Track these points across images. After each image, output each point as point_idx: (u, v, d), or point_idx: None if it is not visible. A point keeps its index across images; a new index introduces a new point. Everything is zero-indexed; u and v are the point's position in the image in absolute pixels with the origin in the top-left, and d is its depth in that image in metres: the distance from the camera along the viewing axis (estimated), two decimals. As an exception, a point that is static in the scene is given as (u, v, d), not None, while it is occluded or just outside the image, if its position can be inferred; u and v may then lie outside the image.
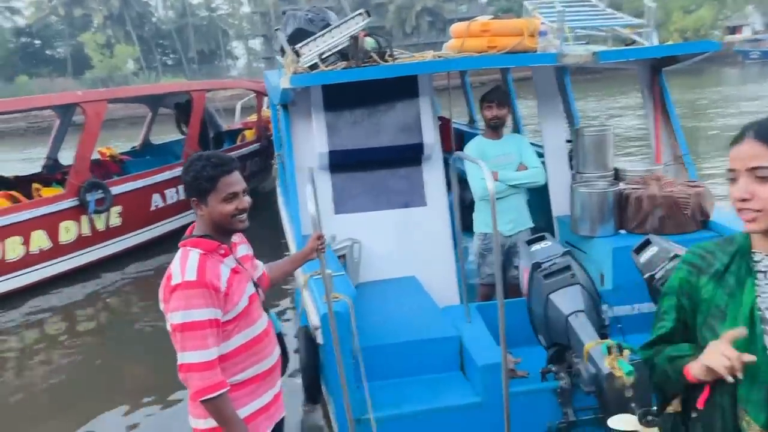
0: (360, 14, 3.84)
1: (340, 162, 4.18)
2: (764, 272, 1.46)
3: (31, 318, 6.71)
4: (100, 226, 7.92)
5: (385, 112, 4.18)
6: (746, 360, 1.34)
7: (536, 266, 2.83)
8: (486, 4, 50.83)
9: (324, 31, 3.85)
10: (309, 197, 2.56)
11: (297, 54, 3.74)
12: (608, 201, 3.88)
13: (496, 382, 2.65)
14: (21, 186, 8.04)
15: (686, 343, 1.57)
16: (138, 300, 7.17)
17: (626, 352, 2.10)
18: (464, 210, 3.84)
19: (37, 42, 57.79)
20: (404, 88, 4.15)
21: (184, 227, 2.26)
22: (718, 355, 1.36)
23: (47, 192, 7.77)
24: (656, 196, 3.75)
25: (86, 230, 7.76)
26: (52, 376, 5.35)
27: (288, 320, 5.59)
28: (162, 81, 43.42)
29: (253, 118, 11.72)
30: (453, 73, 6.74)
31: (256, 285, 2.28)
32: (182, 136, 10.15)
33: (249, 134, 11.08)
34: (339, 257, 3.76)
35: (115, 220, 8.12)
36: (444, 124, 6.00)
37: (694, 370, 1.45)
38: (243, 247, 2.34)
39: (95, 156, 8.63)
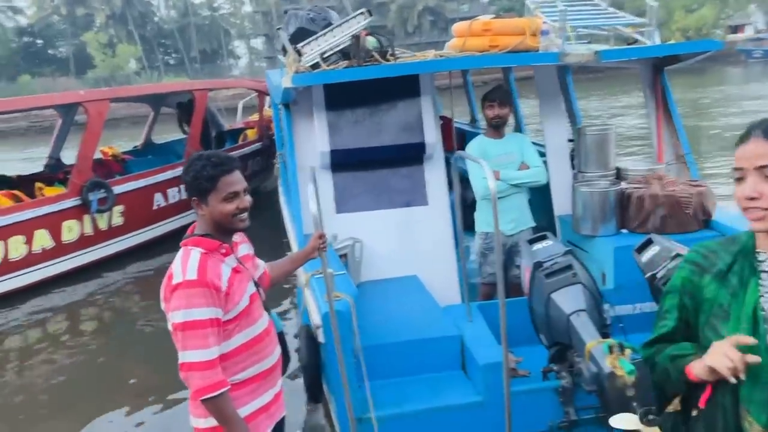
0: (361, 13, 3.84)
1: (342, 161, 4.18)
2: None
3: (33, 317, 6.72)
4: (102, 225, 7.93)
5: (387, 111, 4.18)
6: (750, 361, 1.34)
7: (538, 265, 2.82)
8: (488, 4, 50.76)
9: (326, 30, 3.85)
10: (310, 196, 2.56)
11: (299, 53, 3.74)
12: (610, 200, 3.88)
13: (498, 381, 2.65)
14: (24, 185, 8.06)
15: (688, 342, 1.57)
16: (140, 299, 7.18)
17: (628, 352, 2.10)
18: (466, 209, 3.84)
19: (40, 41, 57.83)
20: (406, 87, 4.15)
21: (186, 227, 2.26)
22: (722, 356, 1.35)
23: (50, 191, 7.79)
24: (658, 195, 3.74)
25: (89, 229, 7.77)
26: (54, 375, 5.36)
27: (289, 319, 5.60)
28: (164, 80, 43.45)
29: (255, 117, 11.73)
30: (455, 72, 6.73)
31: (257, 284, 2.28)
32: (184, 136, 10.16)
33: (251, 133, 11.09)
34: (340, 256, 3.76)
35: (118, 220, 8.13)
36: (446, 124, 6.01)
37: (696, 369, 1.45)
38: (244, 247, 2.34)
39: (97, 155, 8.64)
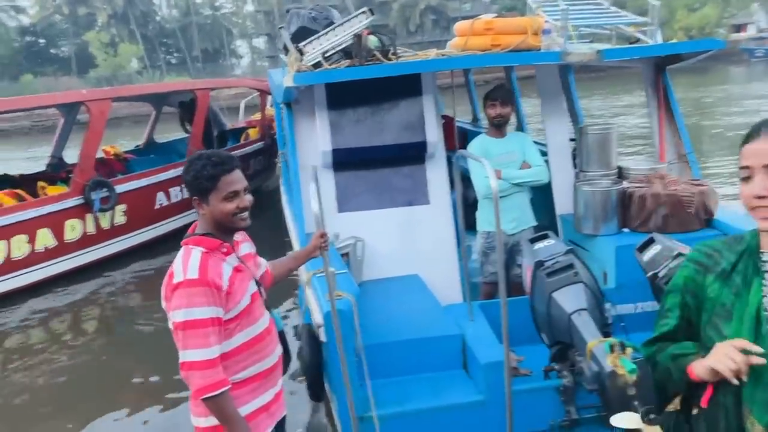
0: (363, 12, 3.84)
1: (344, 160, 4.18)
2: None
3: (35, 316, 6.74)
4: (104, 224, 7.95)
5: (389, 110, 4.18)
6: (754, 363, 1.33)
7: (539, 264, 2.83)
8: (490, 3, 50.68)
9: (327, 29, 3.85)
10: (312, 195, 2.56)
11: (300, 52, 3.75)
12: (612, 199, 3.87)
13: (499, 380, 2.65)
14: (26, 184, 8.08)
15: (689, 341, 1.56)
16: (142, 299, 7.19)
17: (629, 351, 2.10)
18: (467, 208, 3.84)
19: (42, 41, 57.90)
20: (407, 86, 4.14)
21: (189, 226, 2.26)
22: (724, 358, 1.34)
23: (52, 190, 7.81)
24: (660, 194, 3.74)
25: (91, 228, 7.79)
26: (55, 375, 5.36)
27: (289, 317, 5.60)
28: (166, 80, 43.47)
29: (257, 116, 11.74)
30: (457, 71, 6.75)
31: (258, 283, 2.28)
32: (186, 135, 10.18)
33: (253, 133, 11.10)
34: (342, 255, 3.76)
35: (120, 219, 8.15)
36: (448, 123, 6.00)
37: (698, 370, 1.45)
38: (245, 245, 2.34)
39: (99, 154, 8.65)
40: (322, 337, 2.84)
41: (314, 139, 4.15)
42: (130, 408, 4.61)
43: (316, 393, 3.25)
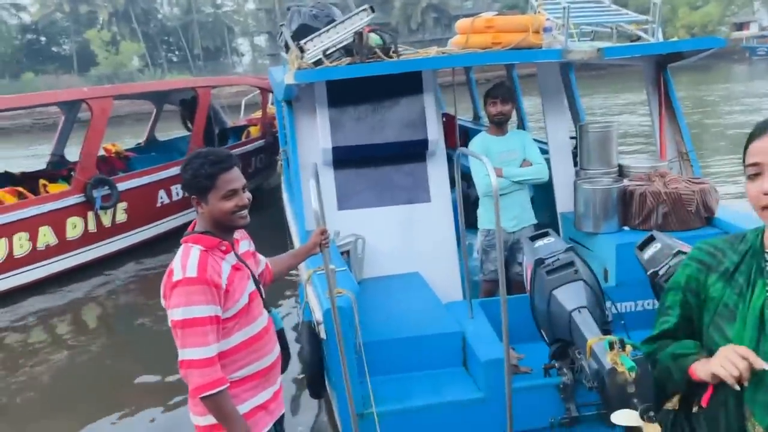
0: (364, 10, 3.84)
1: (344, 158, 4.18)
2: None
3: (35, 315, 6.74)
4: (106, 222, 7.95)
5: (389, 108, 4.18)
6: (758, 368, 1.31)
7: (539, 262, 2.83)
8: (491, 1, 50.64)
9: (328, 27, 3.85)
10: (312, 192, 2.56)
11: (301, 50, 3.75)
12: (612, 197, 3.87)
13: (499, 377, 2.65)
14: (27, 182, 8.08)
15: (689, 339, 1.55)
16: (143, 297, 7.19)
17: (629, 348, 2.10)
18: (468, 206, 3.84)
19: (43, 39, 57.96)
20: (408, 84, 4.14)
21: (190, 223, 2.26)
22: (727, 363, 1.33)
23: (54, 188, 7.81)
24: (660, 192, 3.74)
25: (92, 226, 7.79)
26: (56, 374, 5.36)
27: (289, 315, 5.61)
28: (167, 78, 43.47)
29: (258, 114, 11.74)
30: (458, 69, 6.74)
31: (257, 282, 2.28)
32: (187, 133, 10.18)
33: (254, 131, 11.10)
34: (343, 253, 3.77)
35: (121, 217, 8.15)
36: (449, 121, 6.00)
37: (700, 372, 1.43)
38: (245, 243, 2.34)
39: (100, 152, 8.66)
40: (322, 335, 2.84)
41: (315, 137, 4.15)
42: (131, 407, 4.61)
43: (317, 390, 3.25)
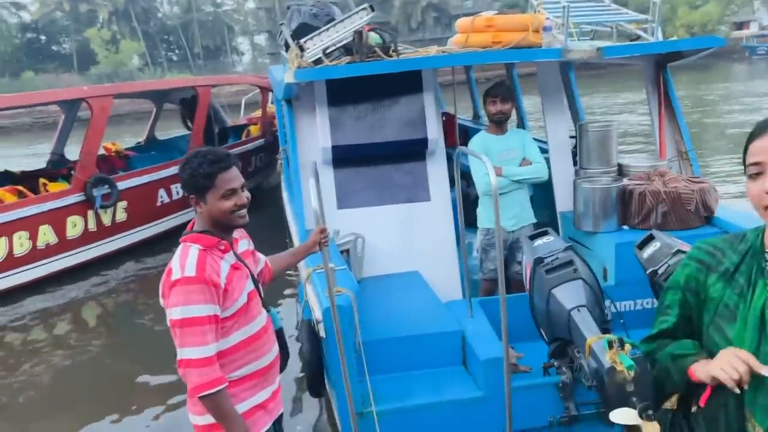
0: (364, 9, 3.84)
1: (344, 157, 4.18)
2: None
3: (35, 314, 6.75)
4: (106, 221, 7.96)
5: (389, 107, 4.18)
6: (759, 373, 1.30)
7: (538, 261, 2.82)
8: (491, 0, 50.62)
9: (328, 26, 3.85)
10: (312, 191, 2.56)
11: (301, 49, 3.75)
12: (611, 197, 3.88)
13: (498, 376, 2.66)
14: (27, 181, 8.09)
15: (688, 338, 1.55)
16: (143, 296, 7.20)
17: (627, 347, 2.10)
18: (468, 205, 3.84)
19: (43, 38, 57.95)
20: (408, 83, 4.14)
21: (189, 222, 2.27)
22: (728, 367, 1.32)
23: (54, 187, 7.81)
24: (660, 191, 3.74)
25: (92, 225, 7.80)
26: (55, 373, 5.37)
27: (287, 313, 5.61)
28: (167, 77, 43.48)
29: (258, 113, 11.75)
30: (458, 68, 6.74)
31: (256, 282, 2.28)
32: (187, 132, 10.18)
33: (254, 130, 11.10)
34: (342, 252, 3.77)
35: (121, 216, 8.16)
36: (448, 120, 6.00)
37: (700, 374, 1.43)
38: (244, 242, 2.34)
39: (100, 151, 8.67)
40: (322, 333, 2.84)
41: (314, 136, 4.15)
42: (131, 406, 4.61)
43: (316, 389, 3.26)
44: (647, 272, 2.69)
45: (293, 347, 3.00)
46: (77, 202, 7.58)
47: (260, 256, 2.47)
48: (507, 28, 4.05)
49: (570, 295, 2.62)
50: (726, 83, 25.91)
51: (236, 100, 14.68)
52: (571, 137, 4.80)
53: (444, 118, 4.83)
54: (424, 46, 4.65)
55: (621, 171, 4.24)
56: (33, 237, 7.18)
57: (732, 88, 23.61)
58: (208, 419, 2.11)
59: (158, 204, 8.70)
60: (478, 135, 4.25)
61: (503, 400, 2.56)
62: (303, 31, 4.03)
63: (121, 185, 8.00)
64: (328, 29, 3.82)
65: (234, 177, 2.11)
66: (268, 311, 2.34)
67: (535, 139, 4.47)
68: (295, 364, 4.20)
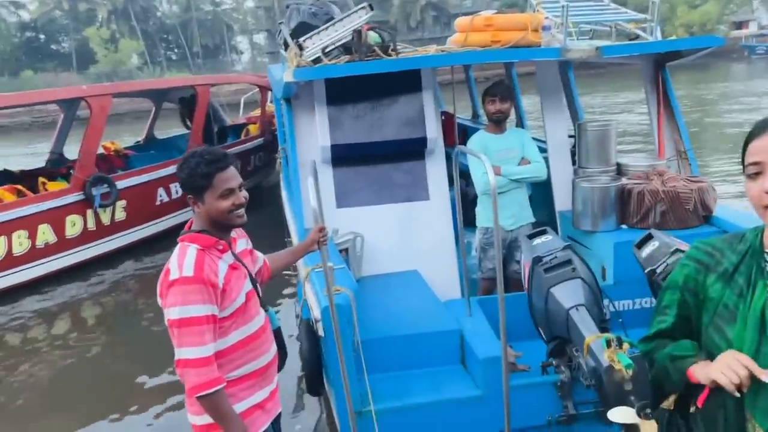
0: (363, 8, 3.84)
1: (343, 156, 4.18)
2: None
3: (34, 313, 6.74)
4: (105, 220, 7.96)
5: (388, 106, 4.18)
6: (762, 379, 1.29)
7: (537, 260, 2.83)
8: (491, -1, 50.65)
9: (327, 24, 3.85)
10: (311, 190, 2.56)
11: (300, 48, 3.75)
12: (610, 196, 3.88)
13: (497, 375, 2.66)
14: (26, 180, 8.08)
15: (687, 339, 1.54)
16: (142, 296, 7.19)
17: (626, 346, 2.10)
18: (467, 204, 3.84)
19: (42, 37, 57.90)
20: (407, 82, 4.14)
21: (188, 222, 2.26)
22: (728, 370, 1.32)
23: (53, 186, 7.81)
24: (658, 191, 3.74)
25: (92, 224, 7.80)
26: (54, 373, 5.36)
27: (286, 313, 5.61)
28: (166, 76, 43.46)
29: (257, 112, 11.75)
30: (457, 67, 6.74)
31: (254, 282, 2.27)
32: (186, 131, 10.18)
33: (253, 129, 11.10)
34: (341, 251, 3.77)
35: (120, 215, 8.16)
36: (448, 119, 6.00)
37: (699, 375, 1.42)
38: (242, 242, 2.34)
39: (99, 150, 8.66)
40: (321, 332, 2.84)
41: (314, 135, 4.15)
42: (130, 407, 4.60)
43: (315, 388, 3.26)
44: (646, 271, 2.69)
45: (292, 346, 3.00)
46: (76, 201, 7.57)
47: (258, 254, 2.47)
48: (506, 28, 4.06)
49: (568, 294, 2.62)
50: (725, 83, 25.92)
51: (235, 99, 14.68)
52: (570, 136, 4.80)
53: (443, 118, 4.83)
54: (423, 45, 4.65)
55: (620, 170, 4.24)
56: (32, 236, 7.18)
57: (731, 88, 23.62)
58: (207, 419, 2.10)
59: (157, 203, 8.70)
60: (477, 134, 4.25)
61: (502, 399, 2.57)
62: (302, 30, 4.02)
63: (120, 184, 8.00)
64: (327, 28, 3.81)
65: (232, 177, 2.11)
66: (266, 311, 2.34)
67: (534, 139, 4.47)
68: (293, 363, 4.20)
